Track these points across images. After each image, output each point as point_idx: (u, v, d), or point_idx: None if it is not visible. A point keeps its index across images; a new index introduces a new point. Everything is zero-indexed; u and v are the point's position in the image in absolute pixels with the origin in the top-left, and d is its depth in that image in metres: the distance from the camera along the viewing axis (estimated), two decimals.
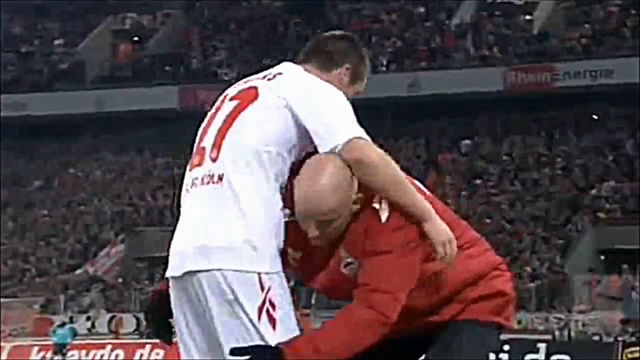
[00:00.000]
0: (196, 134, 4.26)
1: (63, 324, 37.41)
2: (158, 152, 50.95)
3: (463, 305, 4.29)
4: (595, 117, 45.37)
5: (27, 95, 51.26)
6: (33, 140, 50.94)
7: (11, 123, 49.55)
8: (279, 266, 4.06)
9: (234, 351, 3.95)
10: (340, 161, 4.02)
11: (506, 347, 32.48)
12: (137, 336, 38.75)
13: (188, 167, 4.25)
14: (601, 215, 40.85)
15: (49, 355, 36.01)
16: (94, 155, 51.88)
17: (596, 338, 34.36)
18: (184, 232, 4.17)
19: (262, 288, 3.99)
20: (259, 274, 3.99)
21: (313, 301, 38.30)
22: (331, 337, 3.97)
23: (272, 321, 4.00)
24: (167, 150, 50.72)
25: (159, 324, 4.36)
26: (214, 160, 4.14)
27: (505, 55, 46.79)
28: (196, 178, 4.17)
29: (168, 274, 4.17)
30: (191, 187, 4.19)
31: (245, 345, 3.95)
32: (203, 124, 4.33)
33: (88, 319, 40.79)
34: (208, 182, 4.12)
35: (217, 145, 4.15)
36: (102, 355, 36.51)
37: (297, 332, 4.04)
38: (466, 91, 43.53)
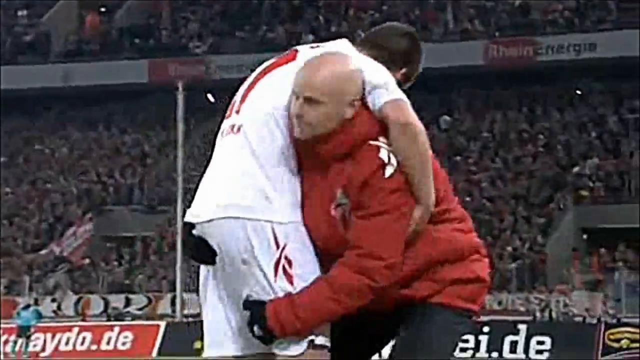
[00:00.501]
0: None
1: (27, 306, 37.32)
2: (127, 129, 50.93)
3: (440, 286, 4.24)
4: (578, 92, 45.61)
5: None
6: None
7: None
8: (294, 217, 4.10)
9: (244, 304, 4.07)
10: (354, 61, 4.11)
11: (486, 329, 32.60)
12: (104, 318, 38.89)
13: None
14: (584, 193, 41.11)
15: (12, 338, 35.90)
16: (60, 132, 51.82)
17: (578, 319, 34.55)
18: (206, 182, 4.24)
19: (278, 245, 4.05)
20: (272, 225, 4.05)
21: None
22: (313, 302, 4.00)
23: (289, 278, 4.05)
24: (136, 127, 50.75)
25: (201, 254, 4.24)
26: (237, 112, 4.25)
27: (486, 29, 46.86)
28: (225, 128, 4.28)
29: (189, 219, 4.21)
30: (221, 137, 4.31)
31: (255, 300, 4.06)
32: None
33: (54, 300, 40.87)
34: (229, 133, 4.23)
35: (243, 98, 4.27)
36: (68, 338, 36.49)
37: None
38: (445, 65, 43.47)
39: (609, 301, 35.61)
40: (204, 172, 4.29)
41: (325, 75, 4.04)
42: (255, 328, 4.03)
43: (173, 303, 38.70)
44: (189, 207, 4.08)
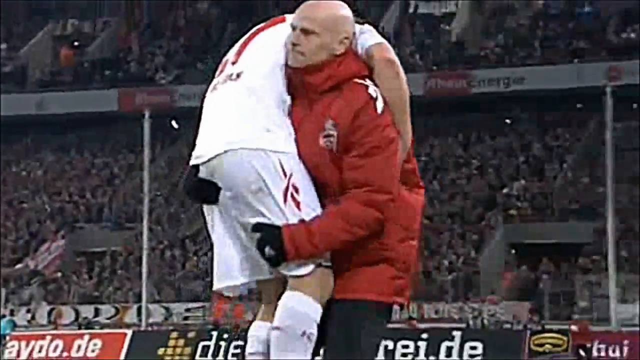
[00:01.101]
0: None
1: (3, 316, 37.06)
2: (97, 153, 50.73)
3: (372, 282, 4.12)
4: (507, 121, 45.82)
5: None
6: None
7: None
8: (292, 148, 4.07)
9: (255, 226, 4.01)
10: (347, 8, 4.15)
11: (424, 335, 32.74)
12: (75, 327, 38.53)
13: (208, 91, 4.28)
14: (512, 212, 41.29)
15: None
16: (35, 155, 51.53)
17: (507, 326, 34.74)
18: (208, 125, 4.14)
19: (285, 174, 4.02)
20: (277, 155, 4.02)
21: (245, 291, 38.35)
22: (328, 231, 3.97)
23: (297, 204, 4.02)
24: (106, 151, 50.59)
25: (204, 194, 4.16)
26: (234, 63, 4.20)
27: (425, 63, 47.11)
28: (217, 83, 4.21)
29: (195, 161, 4.12)
30: (211, 91, 4.22)
31: (267, 223, 4.01)
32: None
33: (28, 311, 40.57)
34: (226, 81, 4.16)
35: (239, 52, 4.23)
36: (41, 346, 36.15)
37: (319, 211, 4.06)
38: None
39: (535, 310, 35.86)
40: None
41: (323, 12, 4.08)
42: (267, 249, 3.98)
43: (139, 313, 38.51)
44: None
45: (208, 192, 4.06)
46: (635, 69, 41.69)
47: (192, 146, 4.20)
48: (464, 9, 49.40)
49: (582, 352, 31.47)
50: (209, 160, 4.03)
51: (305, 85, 4.11)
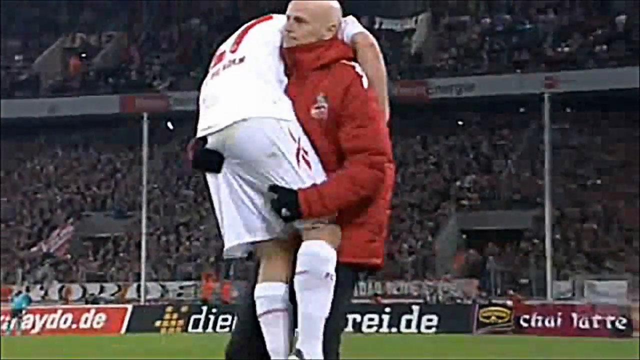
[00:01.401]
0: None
1: (19, 293, 37.01)
2: (102, 150, 50.54)
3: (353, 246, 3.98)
4: (460, 123, 45.84)
5: None
6: None
7: None
8: (293, 117, 3.96)
9: (271, 188, 3.87)
10: (336, 4, 4.13)
11: (387, 310, 32.93)
12: (83, 302, 38.51)
13: (206, 79, 4.10)
14: (464, 202, 41.36)
15: (7, 318, 35.60)
16: (47, 152, 51.30)
17: (458, 301, 34.90)
18: (214, 102, 3.95)
19: (294, 138, 3.91)
20: (286, 122, 3.92)
21: (232, 272, 38.42)
22: (337, 193, 3.88)
23: (308, 164, 3.93)
24: (109, 148, 50.38)
25: (209, 164, 3.99)
26: (233, 51, 4.08)
27: (389, 72, 46.99)
28: (218, 69, 4.05)
29: (204, 132, 3.93)
30: (212, 77, 4.05)
31: (283, 185, 3.88)
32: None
33: (41, 288, 40.36)
34: (230, 65, 4.02)
35: (238, 42, 4.11)
36: (53, 319, 36.22)
37: (323, 172, 3.96)
38: None
39: (482, 287, 36.02)
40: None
41: (314, 3, 4.07)
42: (284, 210, 3.86)
43: (138, 290, 38.53)
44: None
45: (213, 161, 3.92)
46: (569, 78, 41.93)
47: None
48: (422, 25, 49.44)
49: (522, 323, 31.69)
50: (219, 130, 3.87)
51: (297, 64, 4.04)
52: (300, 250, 3.89)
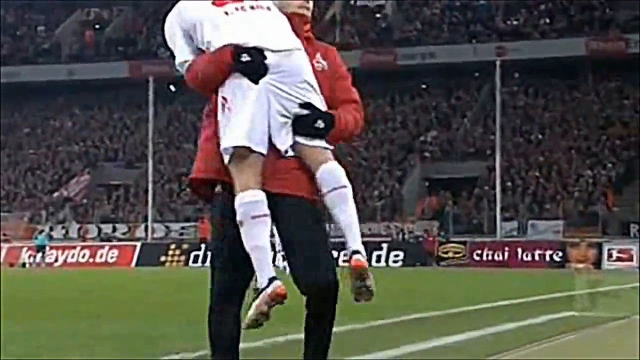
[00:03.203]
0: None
1: (41, 231, 36.96)
2: (113, 109, 50.36)
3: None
4: (423, 86, 45.76)
5: (18, 67, 50.08)
6: (23, 100, 49.94)
7: (6, 87, 48.52)
8: None
9: (306, 104, 3.71)
10: None
11: None
12: (98, 240, 38.54)
13: (213, 4, 3.79)
14: (426, 154, 41.40)
15: (33, 253, 35.62)
16: (66, 112, 51.06)
17: (421, 239, 35.06)
18: (264, 27, 3.75)
19: (315, 75, 3.80)
20: (310, 65, 3.80)
21: None
22: (346, 122, 3.78)
23: (323, 95, 3.81)
24: (120, 108, 50.20)
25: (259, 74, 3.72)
26: None
27: (362, 41, 46.96)
28: (240, 7, 3.79)
29: (264, 46, 3.67)
30: (237, 10, 3.77)
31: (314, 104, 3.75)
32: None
33: (63, 228, 40.45)
34: (254, 8, 3.80)
35: None
36: (73, 254, 36.23)
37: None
38: None
39: (441, 227, 36.17)
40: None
41: None
42: (319, 121, 3.69)
43: (146, 230, 38.54)
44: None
45: (259, 72, 3.66)
46: (516, 47, 41.90)
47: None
48: (391, 2, 49.20)
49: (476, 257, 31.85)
50: (281, 50, 3.68)
51: (297, 30, 3.85)
52: (323, 171, 3.70)
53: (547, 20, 44.63)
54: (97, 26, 53.63)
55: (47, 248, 35.26)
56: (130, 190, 43.66)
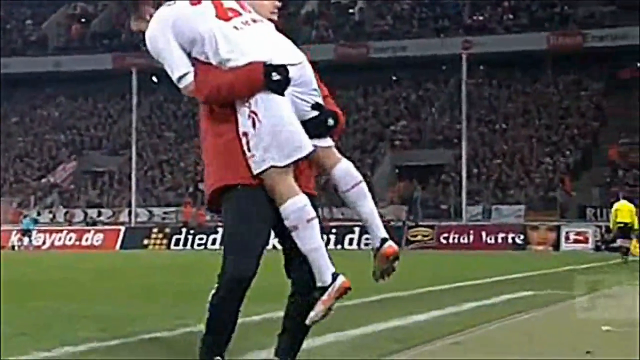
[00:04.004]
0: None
1: (26, 216, 36.68)
2: (98, 99, 50.02)
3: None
4: (394, 78, 45.51)
5: (7, 58, 49.56)
6: (11, 90, 49.49)
7: None
8: None
9: (317, 105, 3.78)
10: None
11: (334, 230, 32.99)
12: (84, 224, 38.43)
13: (218, 18, 3.74)
14: (396, 143, 41.47)
15: (20, 236, 35.41)
16: (53, 102, 50.67)
17: (392, 223, 35.05)
18: (276, 42, 3.78)
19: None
20: None
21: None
22: (342, 117, 3.88)
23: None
24: (104, 98, 49.87)
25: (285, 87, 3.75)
26: (241, 14, 3.80)
27: (337, 36, 46.89)
28: (245, 21, 3.77)
29: (286, 62, 3.70)
30: (244, 25, 3.75)
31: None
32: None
33: (50, 212, 40.23)
34: (256, 22, 3.80)
35: (242, 7, 3.86)
36: (60, 237, 36.07)
37: None
38: (315, 60, 43.35)
39: (410, 212, 36.27)
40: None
41: None
42: (330, 119, 3.79)
43: (129, 215, 38.43)
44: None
45: (284, 86, 3.69)
46: (482, 42, 42.00)
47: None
48: None
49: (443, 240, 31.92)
50: (297, 64, 3.71)
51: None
52: (340, 170, 3.87)
53: (511, 16, 44.85)
54: (82, 20, 53.18)
55: (35, 232, 35.08)
56: (114, 176, 43.44)
